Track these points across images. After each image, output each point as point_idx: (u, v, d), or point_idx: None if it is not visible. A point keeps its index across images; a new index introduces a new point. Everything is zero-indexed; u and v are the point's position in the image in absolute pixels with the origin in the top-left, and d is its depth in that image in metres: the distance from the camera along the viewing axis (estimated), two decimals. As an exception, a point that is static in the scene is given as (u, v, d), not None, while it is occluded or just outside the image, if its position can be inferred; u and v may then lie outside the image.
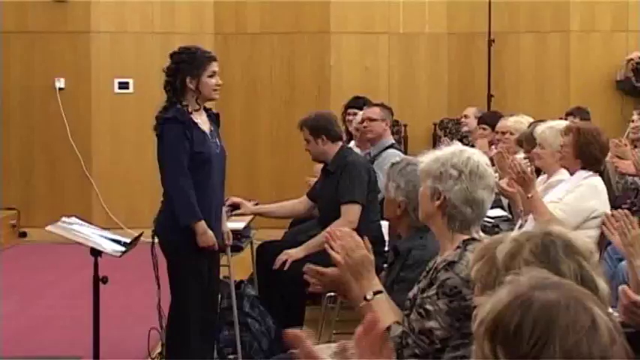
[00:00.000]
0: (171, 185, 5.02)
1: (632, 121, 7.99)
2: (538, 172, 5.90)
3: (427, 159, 3.34)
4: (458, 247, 3.20)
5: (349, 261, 3.21)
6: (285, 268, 5.75)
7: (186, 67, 5.06)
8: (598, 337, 1.45)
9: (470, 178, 3.23)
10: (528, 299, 1.49)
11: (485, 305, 1.54)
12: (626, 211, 4.16)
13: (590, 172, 5.22)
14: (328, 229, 5.64)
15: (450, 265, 3.13)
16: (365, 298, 3.20)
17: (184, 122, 5.01)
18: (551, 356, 1.43)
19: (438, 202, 3.26)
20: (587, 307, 1.48)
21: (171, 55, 5.19)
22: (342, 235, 3.25)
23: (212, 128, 5.20)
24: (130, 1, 10.61)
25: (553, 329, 1.45)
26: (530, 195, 5.05)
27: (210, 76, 5.10)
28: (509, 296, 1.51)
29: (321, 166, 6.27)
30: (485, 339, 1.49)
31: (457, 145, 3.42)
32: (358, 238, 3.26)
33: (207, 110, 5.27)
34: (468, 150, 3.36)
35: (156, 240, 5.19)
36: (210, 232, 5.00)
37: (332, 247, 3.23)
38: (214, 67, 5.13)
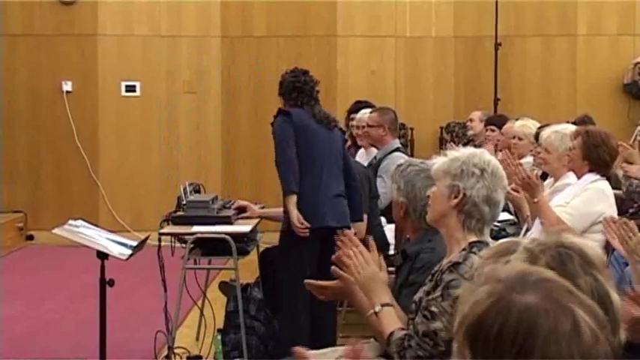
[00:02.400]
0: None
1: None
2: (545, 175, 5.89)
3: (443, 159, 3.34)
4: (464, 249, 3.21)
5: (359, 278, 3.24)
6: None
7: None
8: (580, 340, 1.44)
9: (492, 177, 3.26)
10: (507, 304, 1.47)
11: (464, 305, 1.52)
12: (625, 219, 4.16)
13: (598, 176, 5.21)
14: None
15: (455, 266, 3.13)
16: (374, 312, 3.23)
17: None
18: None
19: (456, 200, 3.25)
20: (568, 308, 1.47)
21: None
22: (355, 254, 3.29)
23: None
24: (137, 3, 10.62)
25: (534, 337, 1.44)
26: (536, 200, 5.05)
27: None
28: (488, 298, 1.49)
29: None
30: (466, 344, 1.48)
31: (471, 149, 3.43)
32: (368, 254, 3.29)
33: None
34: (485, 152, 3.39)
35: (162, 243, 5.20)
36: None
37: (344, 254, 3.27)
38: None
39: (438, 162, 3.36)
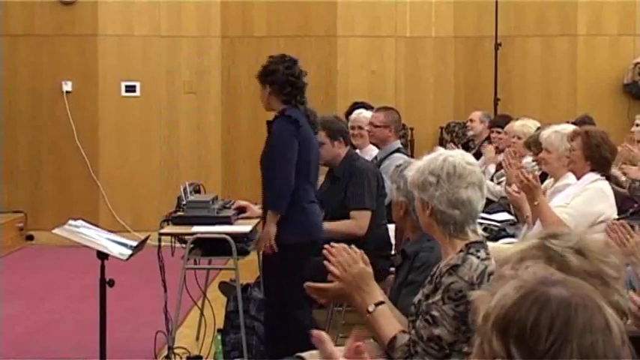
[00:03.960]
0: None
1: (638, 125, 8.00)
2: (545, 176, 5.89)
3: (411, 171, 3.36)
4: (461, 250, 3.21)
5: (347, 276, 3.22)
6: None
7: None
8: (612, 338, 1.44)
9: (448, 181, 3.23)
10: (543, 295, 1.45)
11: (489, 300, 1.49)
12: (623, 221, 4.17)
13: (598, 176, 5.22)
14: (340, 224, 5.75)
15: (454, 268, 3.13)
16: (367, 311, 3.21)
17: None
18: (569, 356, 1.40)
19: (428, 212, 3.27)
20: (601, 306, 1.46)
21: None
22: (339, 251, 3.25)
23: None
24: (137, 3, 10.62)
25: (571, 328, 1.42)
26: (536, 202, 5.05)
27: None
28: (519, 292, 1.47)
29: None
30: (496, 336, 1.44)
31: (438, 151, 3.41)
32: (353, 251, 3.27)
33: None
34: (445, 153, 3.35)
35: (162, 243, 5.20)
36: None
37: (331, 262, 3.24)
38: None
39: (410, 172, 3.37)
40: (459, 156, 3.31)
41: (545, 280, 1.49)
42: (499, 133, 8.13)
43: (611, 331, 1.44)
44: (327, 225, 5.69)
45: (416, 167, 3.33)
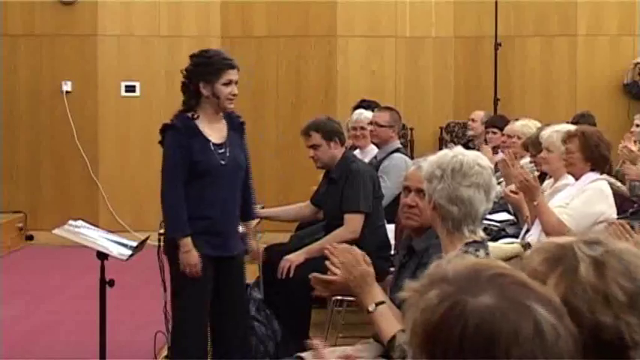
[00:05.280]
0: (162, 194, 4.87)
1: (638, 125, 8.01)
2: (544, 176, 5.89)
3: (426, 163, 3.40)
4: (459, 249, 3.22)
5: (350, 277, 3.22)
6: (290, 275, 5.74)
7: (201, 70, 4.93)
8: (542, 340, 1.39)
9: (452, 176, 3.25)
10: (463, 309, 1.40)
11: (413, 310, 1.45)
12: (622, 221, 4.17)
13: (597, 175, 5.23)
14: (329, 236, 5.72)
15: None
16: (368, 311, 3.22)
17: (183, 129, 4.85)
18: None
19: (431, 205, 3.29)
20: (526, 307, 1.41)
21: (190, 57, 5.06)
22: (341, 252, 3.26)
23: (228, 138, 4.99)
24: (137, 4, 10.62)
25: (496, 342, 1.37)
26: (535, 203, 5.05)
27: (226, 84, 4.95)
28: (441, 304, 1.42)
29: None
30: (423, 354, 1.42)
31: (455, 148, 3.42)
32: (357, 252, 3.27)
33: (232, 117, 5.14)
34: (460, 151, 3.37)
35: (162, 243, 5.18)
36: (195, 253, 4.77)
37: (332, 263, 3.24)
38: (231, 74, 4.93)
39: (425, 164, 3.41)
40: (471, 156, 3.33)
41: (468, 286, 1.43)
42: (495, 133, 8.14)
43: (541, 334, 1.39)
44: (321, 243, 5.64)
45: (429, 160, 3.37)
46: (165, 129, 4.90)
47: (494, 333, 1.38)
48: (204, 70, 4.89)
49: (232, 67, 4.99)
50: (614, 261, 1.70)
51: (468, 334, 1.39)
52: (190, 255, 4.78)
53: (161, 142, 4.95)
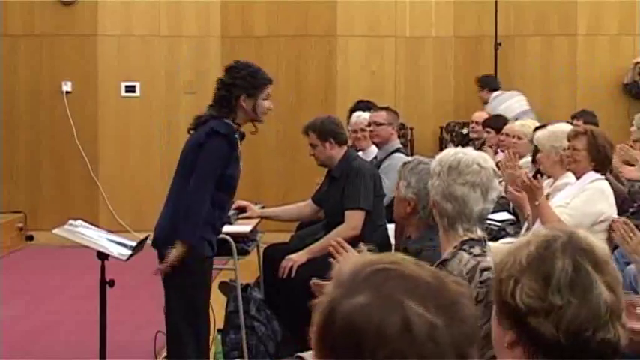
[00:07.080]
0: (193, 199, 4.81)
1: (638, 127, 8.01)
2: (538, 175, 5.90)
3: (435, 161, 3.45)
4: (455, 246, 3.24)
5: None
6: (292, 274, 5.74)
7: (244, 84, 4.95)
8: (411, 335, 1.35)
9: (447, 173, 3.28)
10: (332, 311, 1.40)
11: (320, 308, 1.45)
12: (625, 219, 4.17)
13: (598, 175, 5.23)
14: (331, 234, 5.71)
15: (443, 263, 3.16)
16: None
17: (231, 141, 4.90)
18: None
19: (431, 201, 3.34)
20: (398, 302, 1.37)
21: (229, 69, 5.03)
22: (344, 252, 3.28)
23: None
24: (137, 4, 10.62)
25: (361, 342, 1.35)
26: (537, 202, 5.05)
27: (265, 99, 5.02)
28: (325, 306, 1.43)
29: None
30: (318, 356, 1.42)
31: (465, 149, 3.44)
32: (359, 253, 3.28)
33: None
34: (464, 150, 3.39)
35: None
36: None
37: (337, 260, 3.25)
38: (270, 89, 5.03)
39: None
40: (472, 155, 3.34)
41: (349, 287, 1.41)
42: (489, 133, 8.16)
43: (410, 330, 1.34)
44: (322, 241, 5.65)
45: (437, 157, 3.42)
46: (215, 134, 4.87)
47: (360, 334, 1.36)
48: (248, 84, 4.95)
49: (271, 82, 5.11)
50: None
51: (338, 337, 1.38)
52: (182, 257, 4.77)
53: (201, 144, 4.89)
